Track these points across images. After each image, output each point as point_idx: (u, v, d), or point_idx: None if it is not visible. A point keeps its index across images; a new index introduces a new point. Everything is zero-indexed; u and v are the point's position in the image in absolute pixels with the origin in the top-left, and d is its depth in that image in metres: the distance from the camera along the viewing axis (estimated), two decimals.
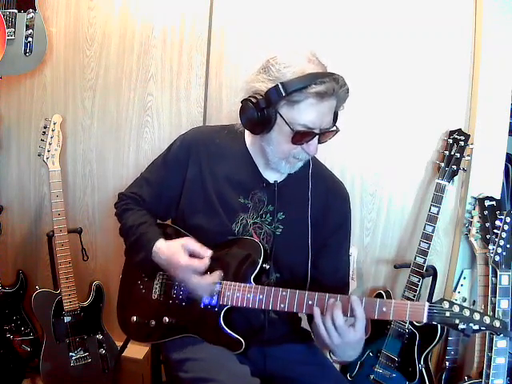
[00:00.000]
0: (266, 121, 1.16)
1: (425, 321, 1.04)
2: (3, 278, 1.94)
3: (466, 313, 1.02)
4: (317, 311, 1.11)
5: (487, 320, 1.01)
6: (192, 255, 1.21)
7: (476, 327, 1.01)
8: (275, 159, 1.23)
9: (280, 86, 1.11)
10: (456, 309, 1.03)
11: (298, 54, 1.17)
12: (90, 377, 1.90)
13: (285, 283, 1.26)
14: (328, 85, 1.10)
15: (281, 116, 1.15)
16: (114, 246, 2.02)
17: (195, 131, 1.43)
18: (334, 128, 1.21)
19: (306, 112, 1.13)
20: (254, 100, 1.16)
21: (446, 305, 1.03)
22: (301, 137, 1.16)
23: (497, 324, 1.01)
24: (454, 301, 1.06)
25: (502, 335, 1.03)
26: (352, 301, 1.08)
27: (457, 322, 1.02)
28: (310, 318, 1.36)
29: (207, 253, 1.20)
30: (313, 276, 1.31)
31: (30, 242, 2.12)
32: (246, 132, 1.34)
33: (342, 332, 1.07)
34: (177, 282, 1.28)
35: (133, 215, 1.36)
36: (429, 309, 1.04)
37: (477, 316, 1.02)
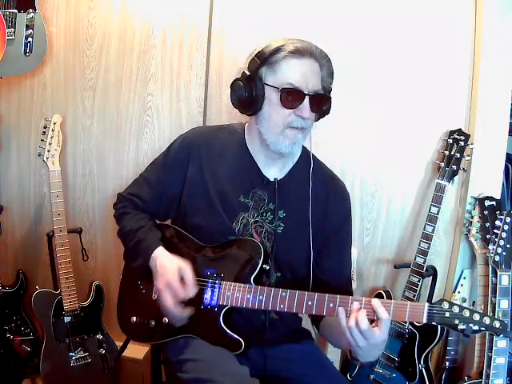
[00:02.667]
0: (255, 95, 1.20)
1: (424, 321, 1.04)
2: (3, 278, 1.94)
3: (466, 313, 1.02)
4: (342, 313, 1.08)
5: (487, 320, 1.01)
6: (182, 280, 1.21)
7: (476, 328, 1.01)
8: (272, 137, 1.23)
9: (259, 53, 1.19)
10: (456, 309, 1.02)
11: (279, 38, 1.23)
12: (89, 377, 1.90)
13: (286, 283, 1.26)
14: (303, 44, 1.18)
15: (267, 85, 1.19)
16: (114, 245, 2.02)
17: (195, 131, 1.43)
18: (326, 95, 1.24)
19: (289, 71, 1.18)
20: (239, 77, 1.22)
21: (446, 305, 1.03)
22: (289, 96, 1.18)
23: (497, 324, 1.00)
24: (454, 301, 1.05)
25: (501, 336, 1.03)
26: (373, 303, 1.06)
27: (456, 322, 1.02)
28: (313, 318, 1.36)
29: (192, 291, 1.20)
30: (315, 275, 1.31)
31: (30, 241, 2.12)
32: (246, 130, 1.35)
33: (368, 335, 1.05)
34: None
35: (131, 219, 1.36)
36: (428, 309, 1.03)
37: (476, 316, 1.01)
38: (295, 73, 1.17)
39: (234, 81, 1.23)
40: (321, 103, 1.23)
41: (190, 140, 1.36)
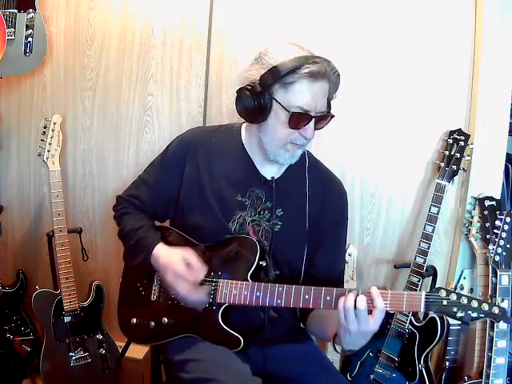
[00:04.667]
0: (262, 107, 1.18)
1: (422, 310, 1.03)
2: (3, 278, 1.94)
3: (464, 300, 1.00)
4: (351, 296, 1.06)
5: (486, 307, 0.99)
6: (188, 266, 1.22)
7: (474, 315, 0.99)
8: (273, 149, 1.24)
9: (273, 69, 1.15)
10: (453, 297, 1.01)
11: (288, 44, 1.22)
12: (90, 377, 1.90)
13: (284, 280, 1.26)
14: (320, 65, 1.14)
15: (276, 101, 1.18)
16: (114, 246, 2.02)
17: (192, 131, 1.44)
18: (330, 113, 1.23)
19: (301, 94, 1.16)
20: (249, 87, 1.19)
21: (443, 293, 1.01)
22: (297, 119, 1.18)
23: (496, 310, 0.98)
24: (451, 289, 1.03)
25: (501, 322, 1.01)
26: (372, 291, 1.06)
27: (455, 310, 1.00)
28: (302, 315, 1.35)
29: (202, 271, 1.21)
30: (309, 272, 1.31)
31: (29, 242, 2.12)
32: (242, 128, 1.35)
33: (361, 318, 1.05)
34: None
35: (131, 219, 1.37)
36: (426, 298, 1.02)
37: (475, 303, 0.99)
38: (306, 96, 1.16)
39: (242, 89, 1.21)
40: (324, 121, 1.23)
41: (187, 140, 1.38)
